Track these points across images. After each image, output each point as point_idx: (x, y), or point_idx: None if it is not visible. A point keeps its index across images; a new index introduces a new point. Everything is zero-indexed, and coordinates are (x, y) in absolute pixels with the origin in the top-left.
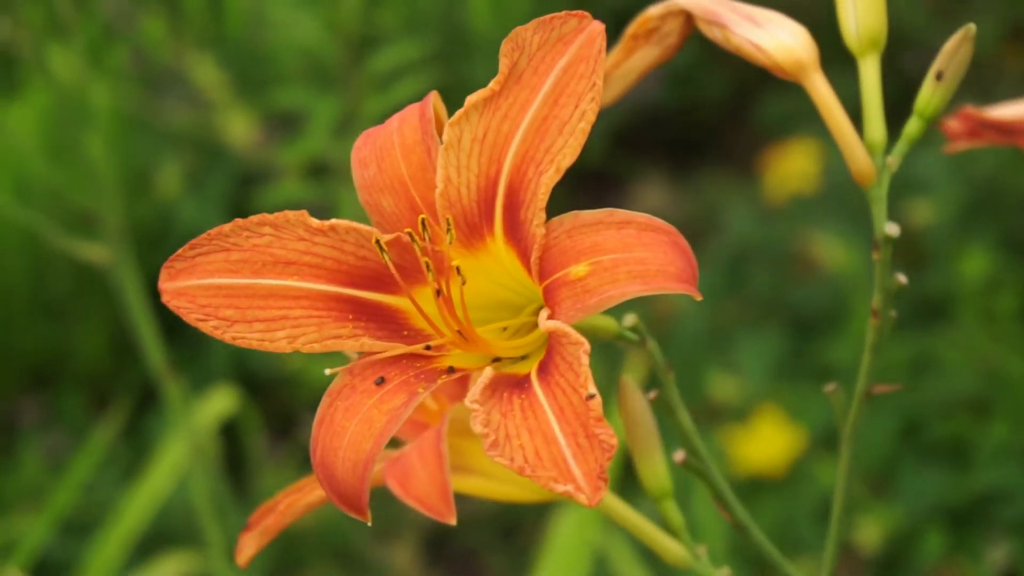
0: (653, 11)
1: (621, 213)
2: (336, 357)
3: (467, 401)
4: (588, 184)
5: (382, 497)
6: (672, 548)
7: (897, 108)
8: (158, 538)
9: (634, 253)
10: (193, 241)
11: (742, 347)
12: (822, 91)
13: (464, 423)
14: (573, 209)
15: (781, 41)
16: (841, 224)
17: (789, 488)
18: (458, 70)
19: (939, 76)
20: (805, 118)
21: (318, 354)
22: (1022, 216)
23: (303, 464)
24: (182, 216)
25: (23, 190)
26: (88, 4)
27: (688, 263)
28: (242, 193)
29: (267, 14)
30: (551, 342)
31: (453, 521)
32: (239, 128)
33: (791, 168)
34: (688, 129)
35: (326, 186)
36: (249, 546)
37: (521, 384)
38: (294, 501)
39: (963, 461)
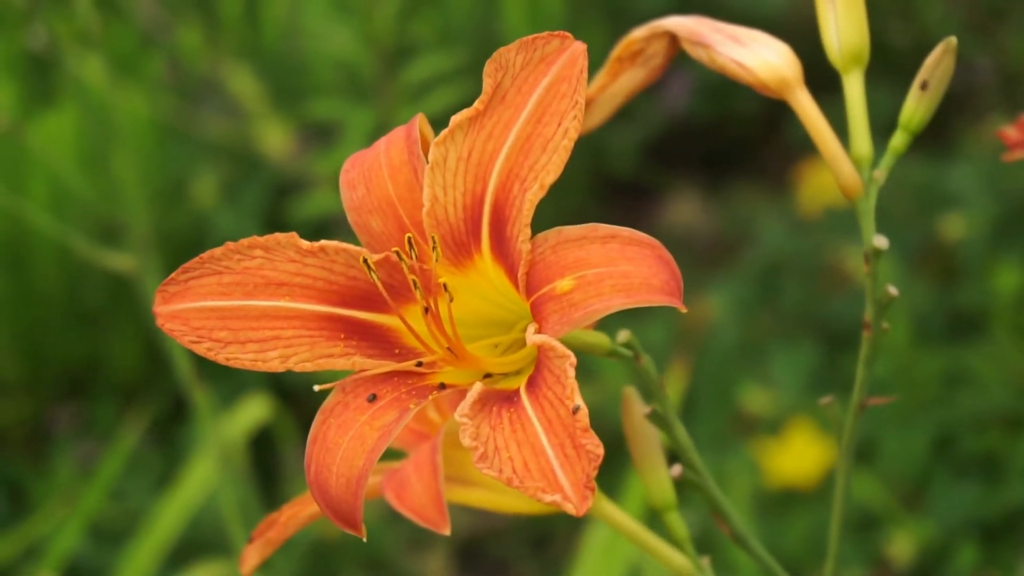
0: (637, 33)
1: (604, 228)
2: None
3: (456, 415)
4: (622, 197)
5: None
6: (676, 560)
7: (932, 119)
8: (190, 547)
9: (618, 267)
10: (186, 265)
11: (775, 360)
12: (807, 107)
13: None
14: (607, 221)
15: (764, 59)
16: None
17: (821, 501)
18: None
19: (924, 86)
20: (838, 132)
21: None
22: None
23: None
24: (218, 226)
25: (58, 200)
26: (123, 14)
27: (672, 275)
28: (277, 203)
29: (302, 25)
30: (539, 356)
31: (447, 531)
32: (274, 138)
33: (824, 181)
34: (721, 143)
35: None
36: (253, 557)
37: (510, 398)
38: (296, 513)
39: (996, 475)
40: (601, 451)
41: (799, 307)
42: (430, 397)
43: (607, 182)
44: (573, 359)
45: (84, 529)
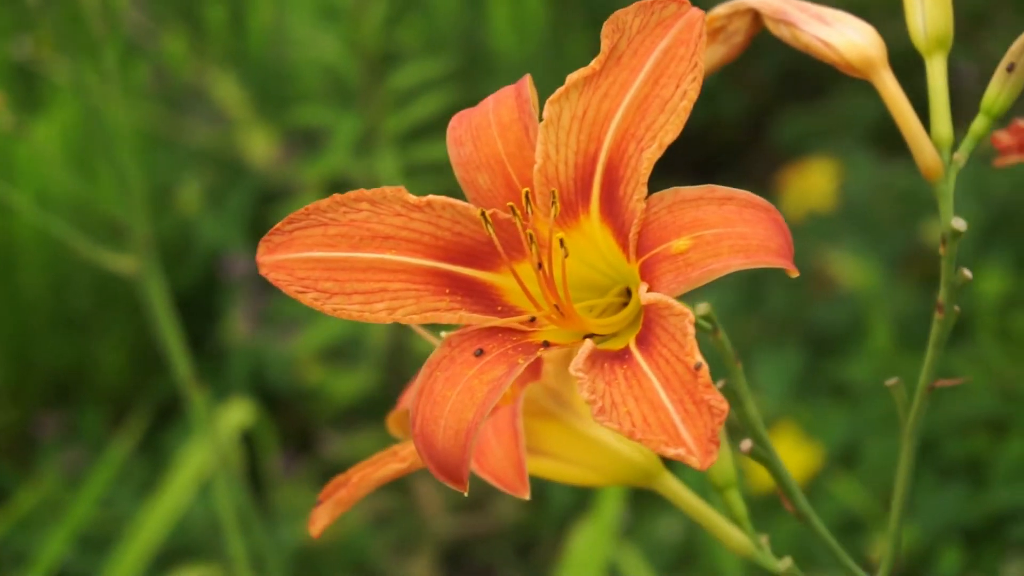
0: (719, 10)
1: (722, 189)
2: (353, 373)
3: (571, 369)
4: None
5: (400, 511)
6: (736, 537)
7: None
8: (177, 552)
9: (736, 228)
10: (291, 215)
11: (760, 364)
12: (891, 88)
13: (536, 404)
14: None
15: (850, 39)
16: (858, 241)
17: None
18: (478, 88)
19: (1010, 68)
20: (822, 137)
21: (339, 370)
22: None
23: (320, 480)
24: (202, 233)
25: (46, 205)
26: (110, 22)
27: (786, 240)
28: (262, 210)
29: (288, 32)
30: (649, 315)
31: (527, 496)
32: (260, 145)
33: (809, 186)
34: (707, 148)
35: None
36: (322, 517)
37: (620, 356)
38: (368, 474)
39: (980, 479)
40: (726, 407)
41: (784, 312)
42: (537, 354)
43: None
44: (692, 316)
45: (71, 539)
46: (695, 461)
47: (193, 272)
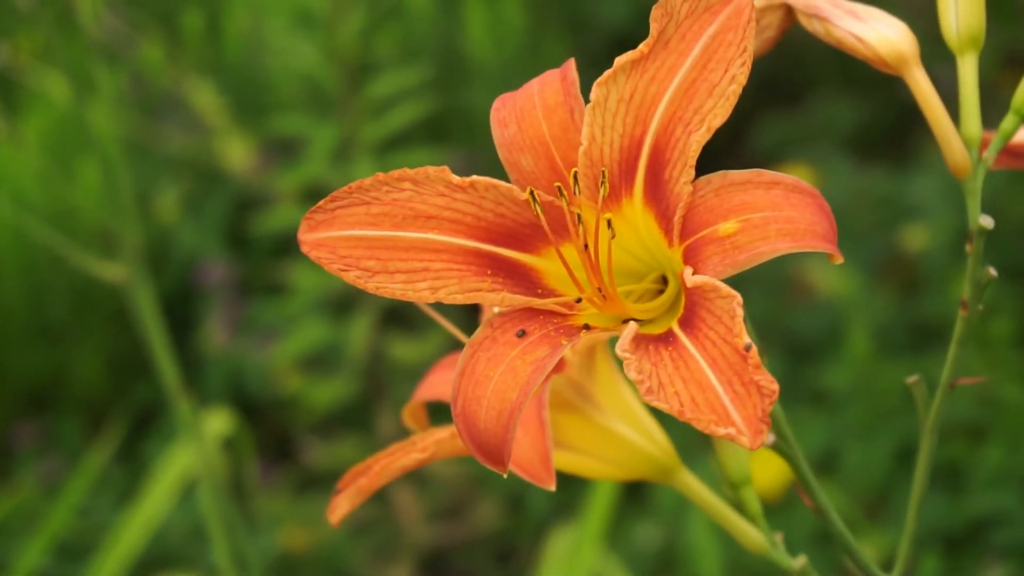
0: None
1: (769, 174)
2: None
3: (618, 350)
4: None
5: (379, 519)
6: (750, 534)
7: (894, 131)
8: (156, 560)
9: (783, 212)
10: (333, 194)
11: None
12: (923, 85)
13: (560, 396)
14: None
15: (883, 35)
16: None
17: (784, 512)
18: (455, 95)
19: None
20: (801, 143)
21: (317, 378)
22: (1017, 242)
23: (301, 489)
24: (180, 240)
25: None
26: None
27: (831, 225)
28: (240, 218)
29: (266, 40)
30: (693, 298)
31: (552, 486)
32: (237, 153)
33: None
34: None
35: None
36: (342, 506)
37: (664, 339)
38: (389, 463)
39: (959, 485)
40: (776, 387)
41: (762, 319)
42: (580, 336)
43: None
44: (740, 298)
45: (49, 548)
46: (745, 440)
47: (170, 280)
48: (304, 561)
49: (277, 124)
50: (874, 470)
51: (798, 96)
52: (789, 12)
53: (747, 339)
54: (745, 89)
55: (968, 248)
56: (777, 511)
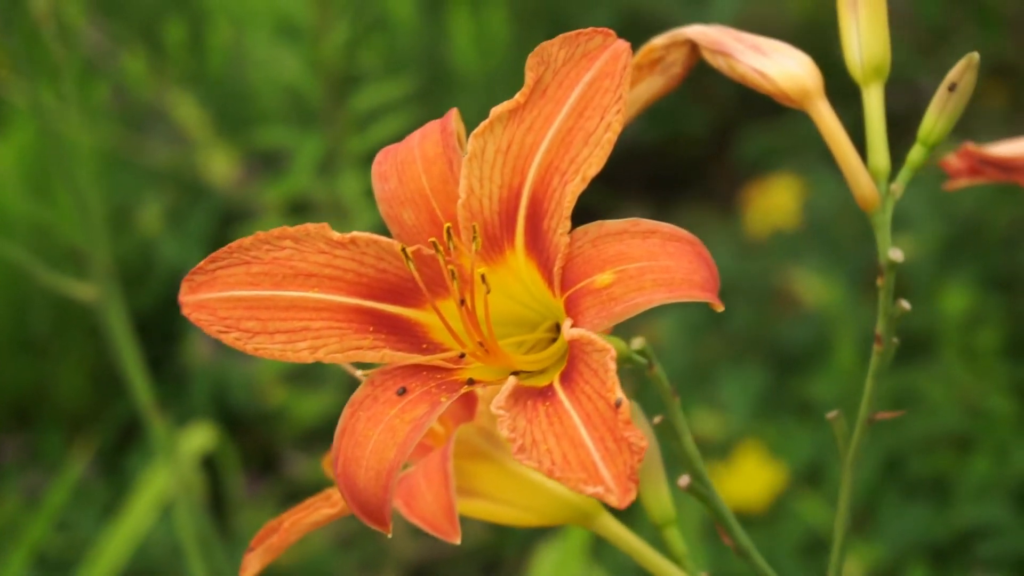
0: (657, 41)
1: (646, 223)
2: (316, 395)
3: (492, 407)
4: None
5: (365, 532)
6: (675, 575)
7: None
8: (139, 575)
9: (660, 262)
10: (213, 254)
11: (724, 383)
12: (827, 118)
13: (469, 445)
14: None
15: (786, 69)
16: (822, 259)
17: (771, 524)
18: (441, 107)
19: (952, 88)
20: (786, 154)
21: (302, 391)
22: (1002, 252)
23: (284, 502)
24: (163, 254)
25: (5, 227)
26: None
27: (711, 273)
28: (223, 231)
29: (249, 52)
30: (573, 351)
31: (457, 540)
32: (220, 166)
33: (772, 203)
34: (669, 165)
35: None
36: (253, 565)
37: (544, 393)
38: (299, 519)
39: (945, 497)
40: (645, 443)
41: (748, 330)
42: (460, 391)
43: None
44: (614, 352)
45: (30, 561)
46: (614, 499)
47: (153, 293)
48: (291, 573)
49: (261, 136)
50: (861, 482)
51: (783, 106)
52: (694, 48)
53: (619, 394)
54: (728, 99)
55: (879, 282)
56: (763, 524)
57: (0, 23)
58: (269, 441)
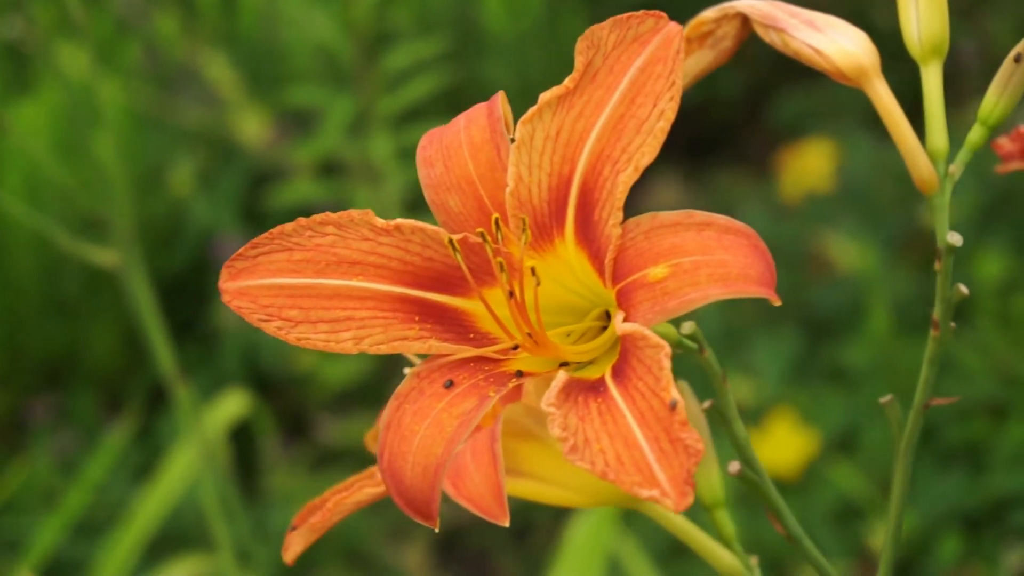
0: (708, 14)
1: (700, 215)
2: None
3: (543, 404)
4: None
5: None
6: (724, 557)
7: (915, 105)
8: (170, 540)
9: (715, 255)
10: (254, 240)
11: (757, 348)
12: (884, 97)
13: (517, 425)
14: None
15: (842, 46)
16: (856, 223)
17: (803, 491)
18: (472, 69)
19: (1018, 59)
20: (820, 117)
21: (333, 353)
22: None
23: (316, 465)
24: (194, 214)
25: (34, 190)
26: (100, 2)
27: (768, 267)
28: (255, 192)
29: (281, 12)
30: (625, 345)
31: (506, 523)
32: (252, 126)
33: (806, 167)
34: (704, 128)
35: (340, 185)
36: (296, 543)
37: (595, 388)
38: (342, 499)
39: (979, 465)
40: (702, 446)
41: (782, 295)
42: (509, 384)
43: None
44: (668, 349)
45: (67, 526)
46: (670, 503)
47: (185, 254)
48: (319, 539)
49: (292, 96)
50: (894, 450)
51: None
52: (745, 22)
53: (674, 394)
54: (763, 62)
55: (937, 266)
56: (795, 491)
57: None
58: (299, 404)
